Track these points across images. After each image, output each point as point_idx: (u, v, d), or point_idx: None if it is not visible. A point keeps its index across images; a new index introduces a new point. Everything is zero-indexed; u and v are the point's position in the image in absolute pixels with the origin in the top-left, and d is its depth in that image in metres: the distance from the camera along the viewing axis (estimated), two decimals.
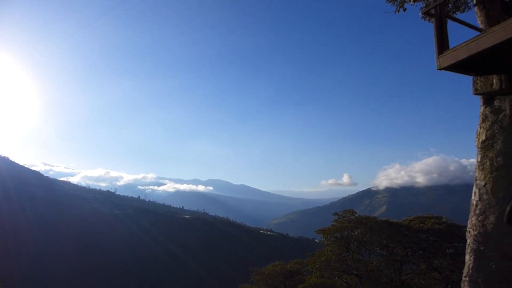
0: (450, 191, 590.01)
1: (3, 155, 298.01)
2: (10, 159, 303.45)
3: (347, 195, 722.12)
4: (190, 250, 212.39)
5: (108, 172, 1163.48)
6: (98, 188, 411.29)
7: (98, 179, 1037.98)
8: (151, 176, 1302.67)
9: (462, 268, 5.58)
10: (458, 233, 26.87)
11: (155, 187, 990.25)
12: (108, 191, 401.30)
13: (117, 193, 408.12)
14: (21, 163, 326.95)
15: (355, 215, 31.61)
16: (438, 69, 6.00)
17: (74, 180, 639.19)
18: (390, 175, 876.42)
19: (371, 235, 29.10)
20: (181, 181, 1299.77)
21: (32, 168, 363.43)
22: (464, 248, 5.80)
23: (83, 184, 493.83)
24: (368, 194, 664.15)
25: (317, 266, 29.30)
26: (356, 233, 30.08)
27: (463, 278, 5.65)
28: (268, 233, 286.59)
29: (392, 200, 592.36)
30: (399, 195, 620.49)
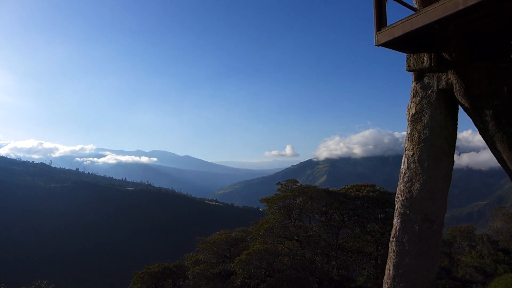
0: (384, 162, 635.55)
1: None
2: None
3: (290, 165, 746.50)
4: (133, 222, 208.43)
5: (42, 143, 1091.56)
6: (30, 161, 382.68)
7: (30, 150, 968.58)
8: (90, 147, 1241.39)
9: (391, 230, 6.18)
10: (389, 199, 29.28)
11: (95, 159, 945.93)
12: (42, 163, 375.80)
13: (53, 165, 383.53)
14: None
15: (297, 184, 32.89)
16: (376, 45, 6.29)
17: (2, 152, 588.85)
18: (330, 147, 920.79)
19: (311, 203, 30.60)
20: (123, 153, 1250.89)
21: None
22: (393, 212, 6.37)
23: (12, 156, 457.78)
24: (310, 164, 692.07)
25: (260, 233, 30.38)
26: (297, 201, 31.42)
27: (391, 239, 6.26)
28: (214, 203, 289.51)
29: (332, 170, 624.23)
30: (338, 165, 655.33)
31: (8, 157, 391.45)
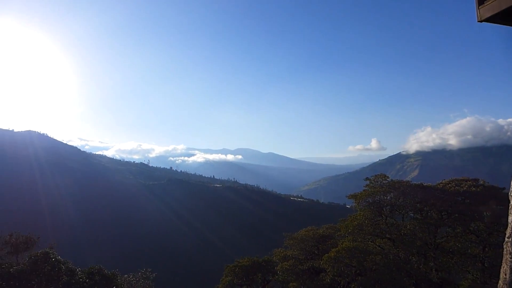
0: (486, 153, 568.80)
1: (42, 132, 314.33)
2: (49, 135, 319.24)
3: (377, 160, 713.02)
4: (223, 217, 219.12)
5: (140, 145, 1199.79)
6: (132, 161, 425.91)
7: (131, 152, 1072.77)
8: (181, 147, 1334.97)
9: (500, 230, 5.47)
10: (496, 195, 26.13)
11: (186, 158, 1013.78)
12: (141, 163, 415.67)
13: (150, 165, 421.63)
14: (59, 139, 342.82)
15: (387, 179, 31.22)
16: (478, 21, 5.59)
17: (108, 153, 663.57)
18: (421, 139, 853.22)
19: (404, 199, 28.81)
20: (211, 151, 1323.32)
21: (69, 143, 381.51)
22: (503, 210, 5.65)
23: (117, 157, 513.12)
24: (399, 158, 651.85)
25: (349, 230, 29.52)
26: (388, 197, 29.82)
27: (506, 239, 5.56)
28: (299, 199, 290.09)
29: (425, 163, 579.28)
30: (432, 158, 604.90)
31: (114, 158, 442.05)
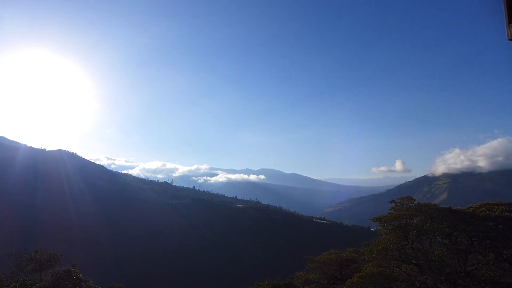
0: None
1: (71, 151, 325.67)
2: (78, 154, 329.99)
3: (403, 182, 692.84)
4: (245, 237, 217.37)
5: (165, 164, 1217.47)
6: (156, 180, 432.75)
7: (155, 171, 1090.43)
8: (204, 167, 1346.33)
9: None
10: None
11: (208, 178, 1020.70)
12: (165, 182, 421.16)
13: (174, 184, 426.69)
14: (87, 157, 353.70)
15: (414, 202, 30.22)
16: (509, 39, 5.42)
17: (133, 172, 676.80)
18: (448, 161, 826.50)
19: (431, 223, 27.69)
20: (233, 171, 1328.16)
21: (97, 162, 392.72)
22: None
23: (142, 176, 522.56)
24: (427, 181, 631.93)
25: (374, 255, 28.52)
26: (415, 221, 28.76)
27: None
28: (322, 221, 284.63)
29: (454, 186, 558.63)
30: (461, 181, 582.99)
31: (139, 176, 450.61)
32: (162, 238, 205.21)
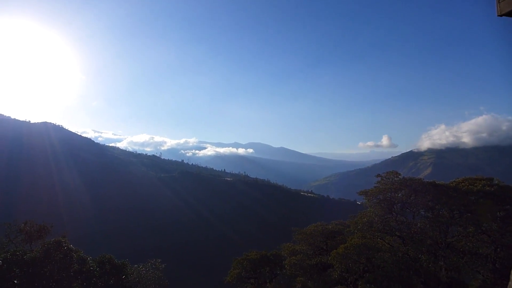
0: (502, 152, 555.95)
1: (58, 123, 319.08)
2: (64, 127, 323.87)
3: (389, 157, 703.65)
4: (232, 210, 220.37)
5: (153, 138, 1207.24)
6: (144, 153, 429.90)
7: (143, 144, 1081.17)
8: (193, 140, 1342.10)
9: None
10: (511, 195, 25.61)
11: (197, 151, 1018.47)
12: (153, 155, 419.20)
13: (162, 157, 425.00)
14: (73, 130, 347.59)
15: (399, 177, 30.87)
16: (498, 15, 5.40)
17: (121, 145, 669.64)
18: (433, 136, 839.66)
19: (415, 197, 28.46)
20: (222, 145, 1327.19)
21: (84, 135, 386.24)
22: None
23: (129, 149, 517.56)
24: (412, 156, 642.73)
25: (359, 227, 29.35)
26: (399, 195, 29.51)
27: None
28: (309, 194, 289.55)
29: (438, 161, 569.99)
30: (446, 156, 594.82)
31: (126, 150, 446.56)
32: (151, 211, 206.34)
